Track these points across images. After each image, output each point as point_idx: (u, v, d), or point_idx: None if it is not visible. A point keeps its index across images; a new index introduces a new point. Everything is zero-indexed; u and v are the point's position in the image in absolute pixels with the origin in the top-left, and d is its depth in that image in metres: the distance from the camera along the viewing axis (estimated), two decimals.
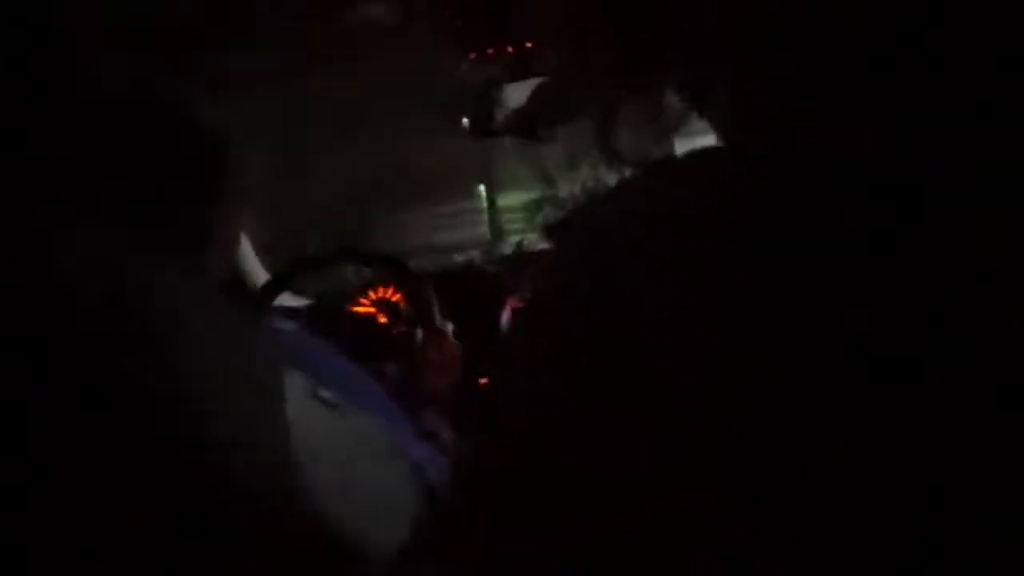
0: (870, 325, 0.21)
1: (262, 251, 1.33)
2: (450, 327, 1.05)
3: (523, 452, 0.26)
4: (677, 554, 0.22)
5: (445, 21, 0.96)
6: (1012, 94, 0.22)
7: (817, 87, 0.25)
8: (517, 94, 1.27)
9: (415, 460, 0.70)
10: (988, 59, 0.23)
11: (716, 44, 0.28)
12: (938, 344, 0.20)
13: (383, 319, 1.22)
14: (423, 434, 0.83)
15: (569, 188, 1.81)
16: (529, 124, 1.26)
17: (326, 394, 0.56)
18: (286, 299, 1.20)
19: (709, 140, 0.31)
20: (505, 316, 1.21)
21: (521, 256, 1.38)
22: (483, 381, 1.12)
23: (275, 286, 1.07)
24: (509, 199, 1.93)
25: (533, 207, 1.91)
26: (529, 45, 0.98)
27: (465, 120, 1.30)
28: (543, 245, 1.56)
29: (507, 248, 1.63)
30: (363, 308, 1.27)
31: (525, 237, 1.73)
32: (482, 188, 1.85)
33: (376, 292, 1.29)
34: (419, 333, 1.03)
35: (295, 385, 0.54)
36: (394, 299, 1.25)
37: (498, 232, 1.81)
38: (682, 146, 0.32)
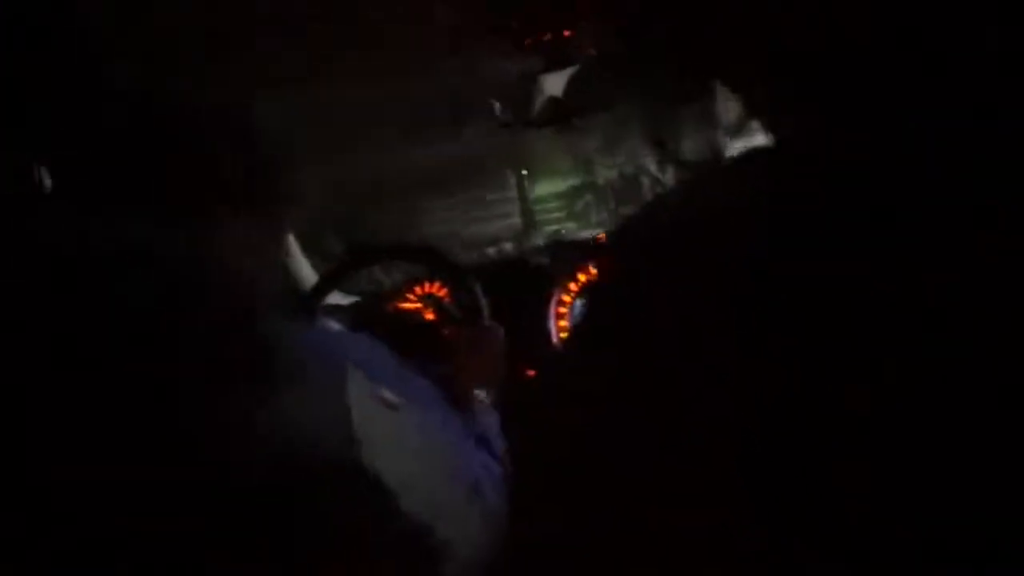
0: (920, 335, 0.21)
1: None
2: (496, 321, 1.05)
3: (572, 449, 0.26)
4: (699, 558, 0.22)
5: (485, 10, 0.96)
6: None
7: (870, 91, 0.25)
8: (553, 82, 1.26)
9: (467, 456, 0.70)
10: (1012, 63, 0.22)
11: (767, 47, 0.28)
12: (982, 359, 0.20)
13: (430, 315, 1.23)
14: (473, 429, 0.83)
15: (607, 175, 1.80)
16: (567, 112, 1.26)
17: (387, 394, 0.57)
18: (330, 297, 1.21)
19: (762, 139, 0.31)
20: (551, 309, 1.20)
21: (560, 246, 1.37)
22: (531, 374, 1.12)
23: (326, 284, 1.08)
24: (544, 188, 1.92)
25: (571, 195, 1.90)
26: (568, 33, 0.97)
27: (499, 109, 1.29)
28: (583, 234, 1.56)
29: (540, 239, 1.63)
30: (409, 304, 1.29)
31: (563, 226, 1.72)
32: (514, 177, 1.85)
33: (422, 288, 1.30)
34: (466, 329, 1.04)
35: (358, 385, 0.54)
36: (440, 295, 1.26)
37: (531, 222, 1.81)
38: (736, 144, 0.32)
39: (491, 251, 1.63)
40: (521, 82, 1.25)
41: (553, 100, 1.27)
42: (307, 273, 1.35)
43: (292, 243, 1.30)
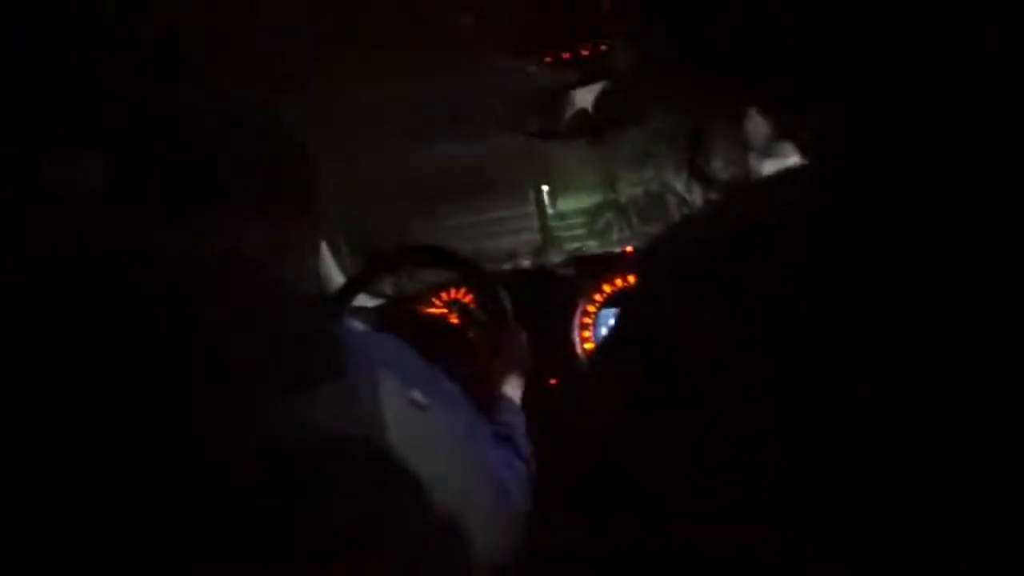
0: (951, 352, 0.21)
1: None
2: (521, 329, 1.06)
3: (598, 457, 0.27)
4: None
5: (522, 23, 0.97)
6: None
7: (871, 92, 0.25)
8: (583, 96, 1.27)
9: (493, 457, 0.70)
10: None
11: (799, 66, 0.28)
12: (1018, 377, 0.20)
13: (455, 320, 1.24)
14: (498, 434, 0.84)
15: (631, 192, 1.79)
16: (597, 126, 1.26)
17: (416, 395, 0.57)
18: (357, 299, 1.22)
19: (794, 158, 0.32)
20: (576, 319, 1.21)
21: (585, 258, 1.38)
22: (553, 382, 1.13)
23: (353, 287, 1.09)
24: (567, 204, 1.91)
25: (593, 212, 1.89)
26: (604, 48, 0.98)
27: (530, 124, 1.30)
28: (604, 250, 1.56)
29: (558, 256, 1.62)
30: (436, 309, 1.29)
31: (584, 244, 1.72)
32: (535, 192, 1.84)
33: (447, 293, 1.31)
34: (492, 332, 1.04)
35: (389, 387, 0.55)
36: (465, 300, 1.27)
37: (550, 238, 1.80)
38: (765, 164, 0.32)
39: (513, 264, 1.63)
40: (552, 95, 1.25)
41: (583, 113, 1.27)
42: (335, 275, 1.37)
43: (322, 246, 1.31)
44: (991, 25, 0.22)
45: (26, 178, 0.50)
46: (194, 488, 0.46)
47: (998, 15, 0.22)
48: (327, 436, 0.50)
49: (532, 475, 0.77)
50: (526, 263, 1.61)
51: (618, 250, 1.31)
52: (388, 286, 1.43)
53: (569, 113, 1.29)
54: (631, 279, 1.16)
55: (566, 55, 0.99)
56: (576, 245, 1.74)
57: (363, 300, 1.35)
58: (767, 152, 0.32)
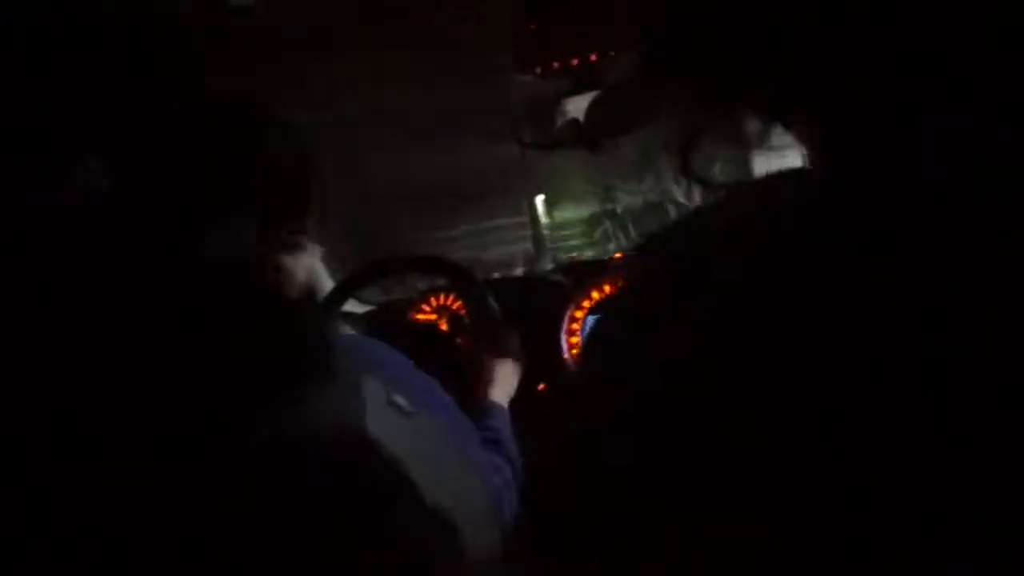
0: (951, 353, 0.21)
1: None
2: (510, 334, 1.06)
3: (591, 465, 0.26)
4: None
5: (513, 34, 0.98)
6: None
7: (899, 110, 0.25)
8: (576, 105, 1.27)
9: (482, 465, 0.71)
10: None
11: (795, 66, 0.28)
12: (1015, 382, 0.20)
13: (444, 326, 1.24)
14: (486, 439, 0.84)
15: (628, 202, 1.78)
16: (591, 136, 1.26)
17: (402, 400, 0.57)
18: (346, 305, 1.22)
19: (789, 156, 0.32)
20: (564, 324, 1.21)
21: (575, 263, 1.38)
22: (541, 387, 1.13)
23: (342, 292, 1.09)
24: (563, 213, 1.90)
25: (591, 222, 1.89)
26: (594, 58, 0.99)
27: (523, 133, 1.31)
28: (597, 257, 1.56)
29: (549, 264, 1.61)
30: (425, 315, 1.29)
31: (581, 254, 1.71)
32: (534, 201, 1.84)
33: (437, 299, 1.31)
34: (480, 338, 1.04)
35: (375, 391, 0.55)
36: (454, 306, 1.27)
37: (543, 248, 1.79)
38: (762, 161, 0.33)
39: (505, 271, 1.63)
40: (544, 105, 1.26)
41: (574, 122, 1.27)
42: (325, 280, 1.37)
43: (316, 251, 1.31)
44: (991, 25, 0.22)
45: (26, 180, 0.51)
46: (182, 488, 0.46)
47: (998, 15, 0.22)
48: (312, 439, 0.50)
49: (520, 480, 0.77)
50: (518, 272, 1.60)
51: (607, 256, 1.31)
52: (378, 292, 1.43)
53: (561, 123, 1.30)
54: (620, 284, 1.16)
55: (557, 65, 1.00)
56: (572, 255, 1.74)
57: (353, 306, 1.35)
58: (764, 149, 0.32)
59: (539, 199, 1.86)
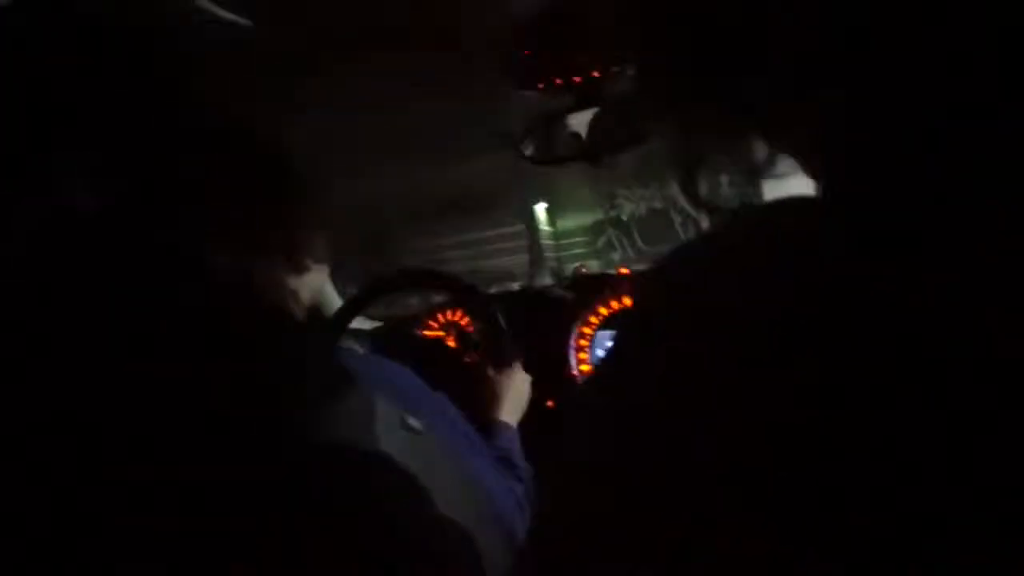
0: (955, 377, 0.21)
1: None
2: (518, 351, 1.06)
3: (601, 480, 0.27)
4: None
5: (515, 52, 0.98)
6: None
7: (905, 133, 0.25)
8: (578, 120, 1.28)
9: (491, 481, 0.71)
10: None
11: (795, 66, 0.28)
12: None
13: (451, 342, 1.24)
14: (496, 457, 0.84)
15: (633, 209, 1.78)
16: (594, 150, 1.27)
17: (412, 419, 0.57)
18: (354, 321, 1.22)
19: (794, 181, 0.32)
20: (571, 340, 1.21)
21: (582, 278, 1.38)
22: (550, 404, 1.13)
23: (351, 309, 1.10)
24: (567, 222, 1.90)
25: (595, 230, 1.89)
26: (596, 74, 1.00)
27: (526, 147, 1.31)
28: (602, 270, 1.55)
29: (547, 278, 1.61)
30: (432, 332, 1.30)
31: (584, 263, 1.72)
32: (534, 210, 1.83)
33: (444, 316, 1.31)
34: (489, 357, 1.04)
35: (385, 411, 0.55)
36: (462, 322, 1.27)
37: (540, 258, 1.78)
38: (770, 187, 0.33)
39: (511, 284, 1.63)
40: (547, 119, 1.26)
41: (576, 137, 1.28)
42: (333, 296, 1.37)
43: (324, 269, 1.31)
44: (991, 25, 0.23)
45: (26, 180, 0.51)
46: (189, 495, 0.46)
47: (998, 15, 0.22)
48: (323, 458, 0.50)
49: (530, 496, 0.77)
50: (515, 285, 1.60)
51: (615, 272, 1.31)
52: (385, 308, 1.44)
53: (563, 137, 1.30)
54: (627, 301, 1.16)
55: (559, 81, 1.00)
56: (576, 264, 1.75)
57: (360, 322, 1.36)
58: (767, 173, 0.32)
59: (541, 208, 1.86)
